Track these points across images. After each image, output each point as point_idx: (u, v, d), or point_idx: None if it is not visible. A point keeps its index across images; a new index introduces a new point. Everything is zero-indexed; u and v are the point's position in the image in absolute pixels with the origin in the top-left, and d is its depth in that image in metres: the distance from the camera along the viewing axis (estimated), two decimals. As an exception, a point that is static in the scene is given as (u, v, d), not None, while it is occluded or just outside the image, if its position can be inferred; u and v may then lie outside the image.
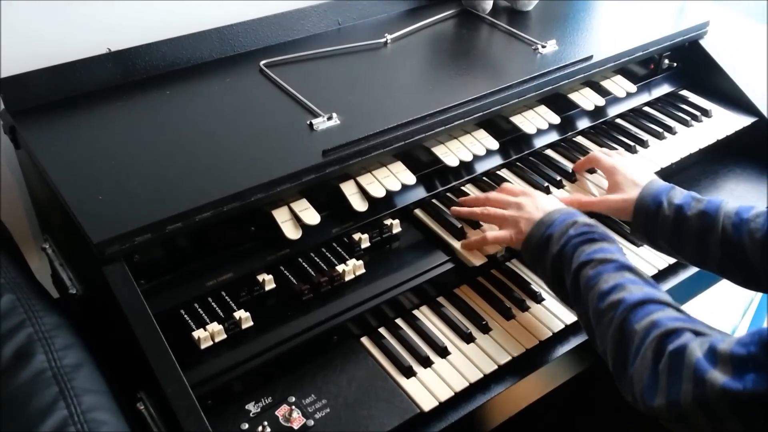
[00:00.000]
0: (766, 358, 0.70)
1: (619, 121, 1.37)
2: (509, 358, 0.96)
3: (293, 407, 0.87)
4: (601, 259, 0.90)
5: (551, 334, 1.00)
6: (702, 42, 1.44)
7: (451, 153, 1.14)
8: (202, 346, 0.88)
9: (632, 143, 1.30)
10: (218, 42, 1.26)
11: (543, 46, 1.30)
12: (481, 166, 1.20)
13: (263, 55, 1.26)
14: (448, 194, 1.15)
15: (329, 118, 1.08)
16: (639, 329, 0.82)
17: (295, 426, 0.85)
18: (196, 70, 1.23)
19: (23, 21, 1.13)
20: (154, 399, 0.83)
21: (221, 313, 0.92)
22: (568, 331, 1.01)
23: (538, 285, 1.06)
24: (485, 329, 1.00)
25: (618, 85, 1.35)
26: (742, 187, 1.32)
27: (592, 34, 1.39)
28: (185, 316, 0.91)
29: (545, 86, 1.22)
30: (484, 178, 1.20)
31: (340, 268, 0.99)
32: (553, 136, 1.29)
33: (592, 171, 1.22)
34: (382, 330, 1.00)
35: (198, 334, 0.88)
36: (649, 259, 1.12)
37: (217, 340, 0.89)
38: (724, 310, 2.08)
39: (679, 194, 1.03)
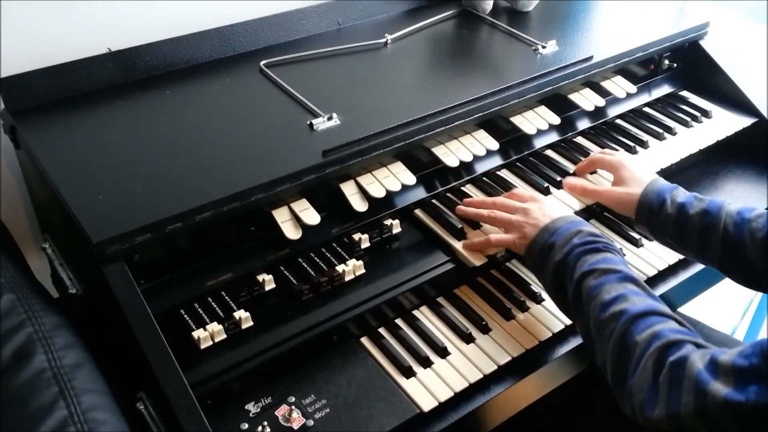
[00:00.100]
0: None
1: (619, 121, 1.37)
2: (509, 358, 0.96)
3: (293, 407, 0.87)
4: (605, 269, 0.89)
5: (551, 334, 1.00)
6: (702, 42, 1.44)
7: (451, 153, 1.14)
8: (202, 346, 0.88)
9: (632, 144, 1.30)
10: (218, 42, 1.26)
11: (543, 47, 1.30)
12: (481, 166, 1.20)
13: (263, 55, 1.26)
14: (448, 194, 1.15)
15: (329, 119, 1.08)
16: (640, 341, 0.81)
17: (295, 426, 0.85)
18: (196, 70, 1.23)
19: (23, 21, 1.13)
20: (153, 399, 0.83)
21: (221, 313, 0.92)
22: (568, 332, 1.01)
23: (537, 286, 1.06)
24: (485, 329, 1.00)
25: (618, 85, 1.35)
26: (742, 188, 1.32)
27: (592, 34, 1.39)
28: (185, 316, 0.91)
29: (545, 87, 1.22)
30: (484, 178, 1.20)
31: (340, 268, 0.99)
32: (553, 137, 1.29)
33: (593, 171, 1.22)
34: (381, 330, 1.00)
35: (198, 334, 0.88)
36: (649, 260, 1.13)
37: (216, 340, 0.89)
38: (724, 310, 2.08)
39: (682, 193, 1.04)
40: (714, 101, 1.43)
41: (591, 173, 1.22)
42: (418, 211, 1.12)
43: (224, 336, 0.90)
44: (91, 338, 0.91)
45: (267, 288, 0.97)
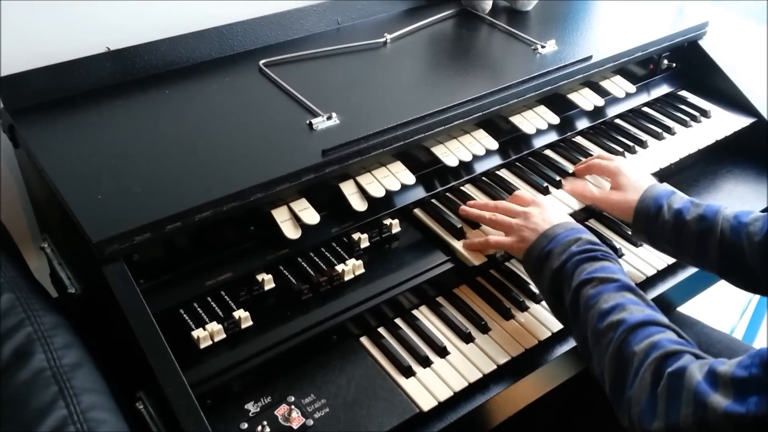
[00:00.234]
0: None
1: (618, 121, 1.37)
2: (508, 358, 0.96)
3: (292, 407, 0.87)
4: (603, 278, 0.89)
5: (550, 334, 1.00)
6: (701, 42, 1.44)
7: (450, 153, 1.14)
8: (202, 346, 0.88)
9: (631, 143, 1.30)
10: (217, 41, 1.26)
11: (542, 46, 1.30)
12: (480, 166, 1.20)
13: (262, 55, 1.26)
14: (447, 194, 1.15)
15: (329, 118, 1.08)
16: (638, 351, 0.80)
17: (295, 426, 0.85)
18: (195, 70, 1.23)
19: (22, 20, 1.12)
20: (153, 398, 0.83)
21: (220, 313, 0.92)
22: (567, 332, 1.01)
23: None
24: (484, 329, 1.00)
25: (617, 85, 1.35)
26: (741, 188, 1.32)
27: (591, 34, 1.39)
28: (184, 315, 0.91)
29: (544, 86, 1.23)
30: (484, 178, 1.20)
31: (339, 267, 0.99)
32: (553, 137, 1.29)
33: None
34: (381, 330, 1.00)
35: (197, 333, 0.88)
36: (648, 260, 1.13)
37: (216, 339, 0.89)
38: (723, 309, 2.09)
39: (679, 199, 1.03)
40: (713, 101, 1.43)
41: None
42: (417, 211, 1.12)
43: (224, 336, 0.90)
44: (91, 338, 0.91)
45: (266, 288, 0.97)
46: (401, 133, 1.07)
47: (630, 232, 1.16)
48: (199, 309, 0.92)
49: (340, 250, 1.03)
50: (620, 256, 1.13)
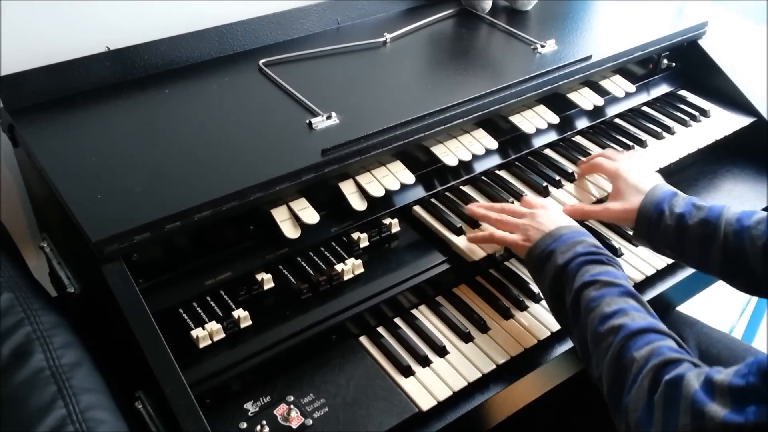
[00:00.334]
0: (767, 388, 0.68)
1: (617, 121, 1.37)
2: (508, 357, 0.96)
3: (292, 406, 0.87)
4: (606, 282, 0.88)
5: (549, 333, 1.00)
6: (701, 42, 1.44)
7: (450, 152, 1.14)
8: (201, 346, 0.88)
9: (631, 143, 1.30)
10: (217, 41, 1.26)
11: (542, 46, 1.30)
12: (480, 165, 1.20)
13: (262, 54, 1.26)
14: (447, 194, 1.15)
15: (328, 118, 1.08)
16: (638, 357, 0.80)
17: (294, 425, 0.85)
18: (195, 69, 1.23)
19: (22, 20, 1.12)
20: (152, 398, 0.83)
21: (220, 312, 0.92)
22: (566, 332, 1.01)
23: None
24: (484, 329, 1.00)
25: (617, 84, 1.35)
26: (741, 188, 1.32)
27: (591, 33, 1.39)
28: (184, 315, 0.91)
29: (544, 86, 1.22)
30: (483, 177, 1.20)
31: (338, 267, 0.99)
32: (552, 136, 1.29)
33: (593, 172, 1.22)
34: (380, 329, 1.00)
35: (196, 333, 0.88)
36: (648, 259, 1.13)
37: (215, 339, 0.89)
38: (723, 308, 2.09)
39: (681, 202, 1.02)
40: (712, 101, 1.43)
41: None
42: (416, 208, 1.12)
43: (223, 335, 0.90)
44: (90, 337, 0.91)
45: (266, 287, 0.97)
46: (401, 133, 1.07)
47: (629, 230, 1.16)
48: (198, 308, 0.92)
49: (339, 249, 1.03)
50: (620, 255, 1.13)
